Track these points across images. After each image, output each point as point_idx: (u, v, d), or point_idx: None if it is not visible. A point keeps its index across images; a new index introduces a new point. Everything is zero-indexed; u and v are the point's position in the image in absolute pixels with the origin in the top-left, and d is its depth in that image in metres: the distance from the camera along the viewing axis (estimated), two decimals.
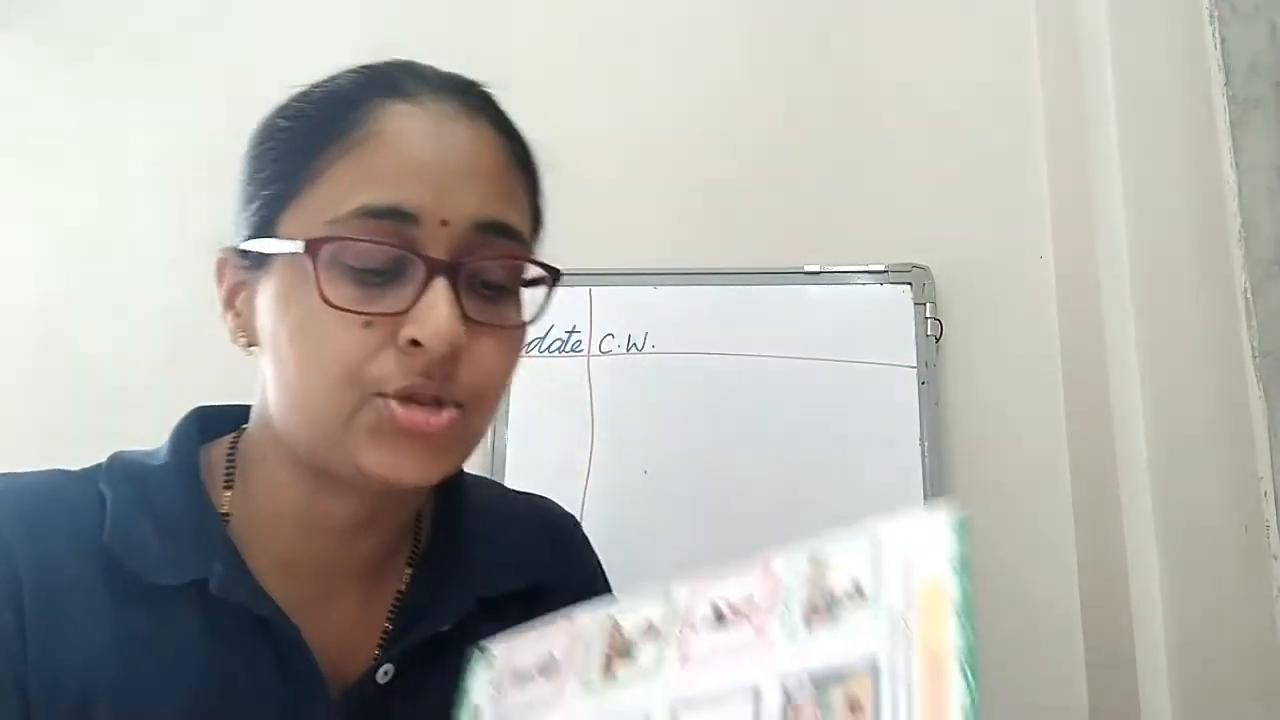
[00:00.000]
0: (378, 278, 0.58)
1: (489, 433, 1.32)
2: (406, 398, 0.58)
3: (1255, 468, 0.97)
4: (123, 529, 0.62)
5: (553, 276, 0.65)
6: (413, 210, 0.58)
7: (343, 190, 0.58)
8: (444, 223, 0.59)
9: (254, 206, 0.62)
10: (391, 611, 0.68)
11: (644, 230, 1.53)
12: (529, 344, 1.59)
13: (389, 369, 0.58)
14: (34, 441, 1.43)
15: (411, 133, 0.60)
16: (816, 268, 1.46)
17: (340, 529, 0.65)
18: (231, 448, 0.68)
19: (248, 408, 0.68)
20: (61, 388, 1.51)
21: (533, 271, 0.64)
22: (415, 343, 0.57)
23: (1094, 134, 1.33)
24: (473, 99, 0.64)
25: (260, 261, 0.62)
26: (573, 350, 1.46)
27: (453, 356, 0.58)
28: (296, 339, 0.59)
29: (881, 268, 1.46)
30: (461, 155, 0.61)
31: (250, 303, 0.63)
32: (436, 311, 0.57)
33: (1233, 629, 1.03)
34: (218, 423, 0.70)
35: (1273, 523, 0.96)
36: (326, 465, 0.61)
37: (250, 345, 0.64)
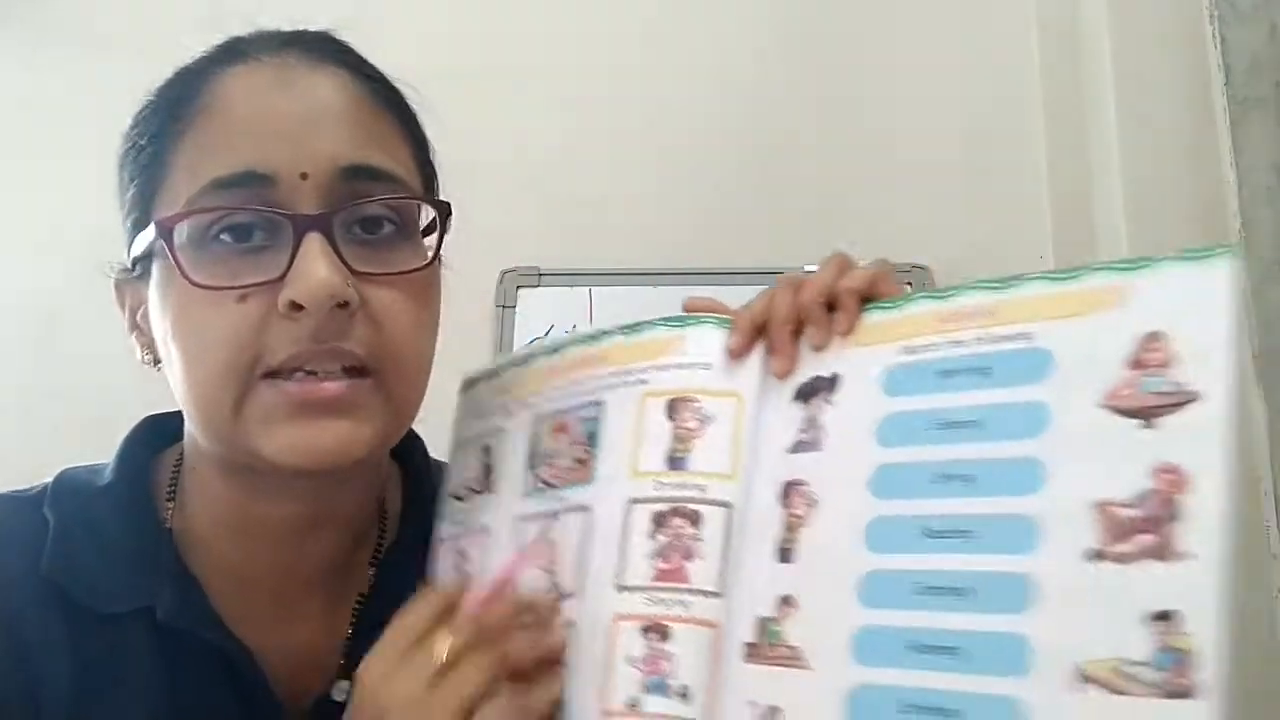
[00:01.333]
0: (247, 250, 0.54)
1: None
2: (294, 370, 0.53)
3: (1255, 468, 0.97)
4: (64, 556, 0.58)
5: (443, 213, 0.60)
6: (266, 170, 0.53)
7: (192, 170, 0.54)
8: (303, 176, 0.53)
9: (129, 216, 0.59)
10: (353, 618, 0.64)
11: (644, 230, 1.53)
12: (528, 344, 1.58)
13: (272, 341, 0.53)
14: (34, 442, 1.43)
15: (250, 92, 0.56)
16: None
17: (284, 533, 0.61)
18: (178, 459, 0.64)
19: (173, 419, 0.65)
20: (61, 388, 1.51)
21: (426, 216, 0.60)
22: (296, 306, 0.52)
23: (1094, 133, 1.33)
24: (319, 47, 0.59)
25: (144, 270, 0.58)
26: None
27: (343, 314, 0.53)
28: (175, 333, 0.55)
29: None
30: (311, 104, 0.56)
31: (145, 316, 0.59)
32: (311, 266, 0.52)
33: (1233, 629, 1.03)
34: (168, 431, 0.65)
35: (1273, 523, 0.96)
36: (243, 464, 0.57)
37: (157, 361, 0.59)
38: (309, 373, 0.54)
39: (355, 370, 0.55)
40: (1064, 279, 0.46)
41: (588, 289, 1.47)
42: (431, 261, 0.59)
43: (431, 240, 0.60)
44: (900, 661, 0.45)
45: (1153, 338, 0.42)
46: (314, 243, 0.53)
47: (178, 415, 0.63)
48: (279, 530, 0.60)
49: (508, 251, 1.48)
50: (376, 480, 0.65)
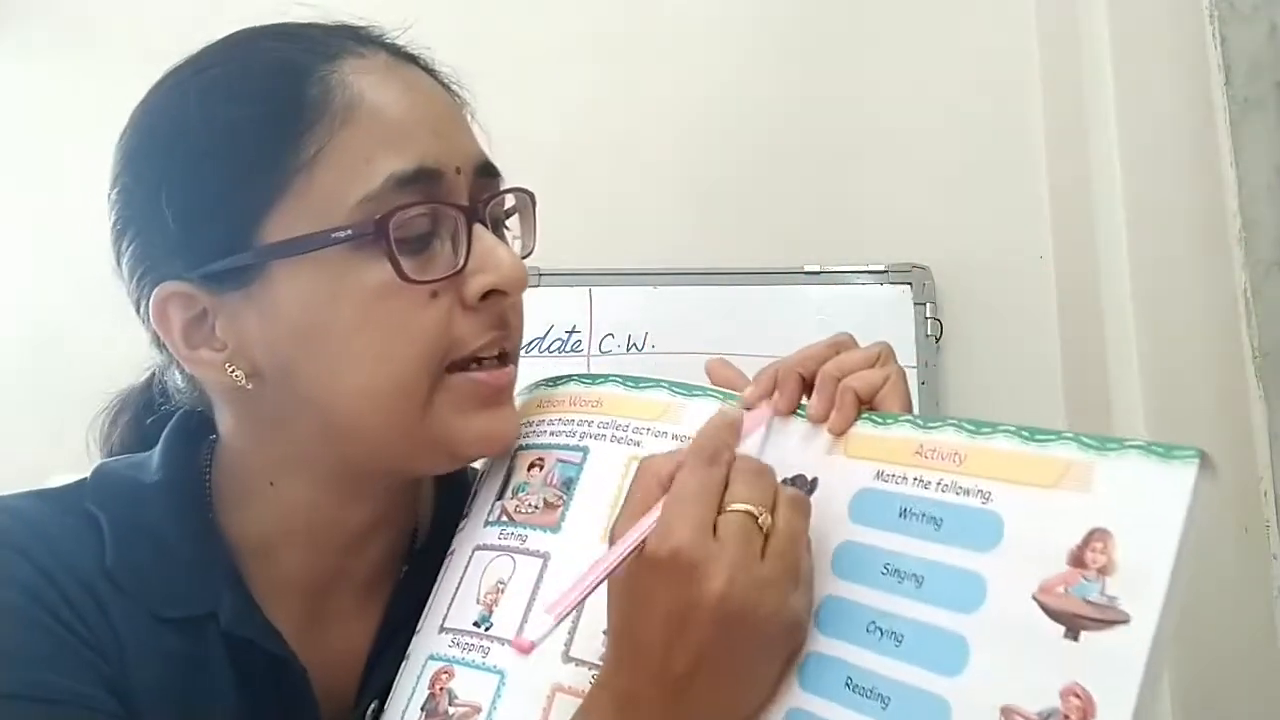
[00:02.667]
0: (424, 247, 0.55)
1: None
2: (472, 360, 0.56)
3: (1255, 468, 0.97)
4: (124, 556, 0.57)
5: (531, 199, 0.63)
6: (435, 166, 0.55)
7: (358, 168, 0.53)
8: (458, 170, 0.56)
9: (214, 222, 0.54)
10: (381, 623, 0.64)
11: (644, 230, 1.53)
12: (529, 344, 1.57)
13: (464, 332, 0.55)
14: (34, 442, 1.43)
15: (387, 90, 0.56)
16: (816, 268, 1.46)
17: (351, 538, 0.62)
18: (207, 461, 0.63)
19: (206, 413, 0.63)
20: (61, 388, 1.51)
21: (506, 204, 0.62)
22: (492, 294, 0.55)
23: (1094, 134, 1.33)
24: (399, 48, 0.61)
25: (243, 279, 0.54)
26: (573, 350, 1.46)
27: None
28: (355, 335, 0.54)
29: (881, 268, 1.46)
30: (439, 102, 0.59)
31: (239, 327, 0.55)
32: (499, 255, 0.55)
33: (1232, 629, 1.03)
34: (203, 427, 0.64)
35: (1273, 523, 0.96)
36: (387, 463, 0.58)
37: (252, 375, 0.56)
38: (482, 361, 0.56)
39: (505, 358, 0.58)
40: (1034, 441, 0.46)
41: (588, 289, 1.47)
42: (532, 245, 0.63)
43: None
44: None
45: (1100, 535, 0.42)
46: (485, 233, 0.56)
47: (202, 415, 0.63)
48: (349, 534, 0.61)
49: None
50: (421, 481, 0.67)
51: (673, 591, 0.45)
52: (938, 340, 1.43)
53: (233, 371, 0.56)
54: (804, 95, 1.56)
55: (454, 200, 0.56)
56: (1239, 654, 1.02)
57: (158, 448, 0.63)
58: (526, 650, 0.48)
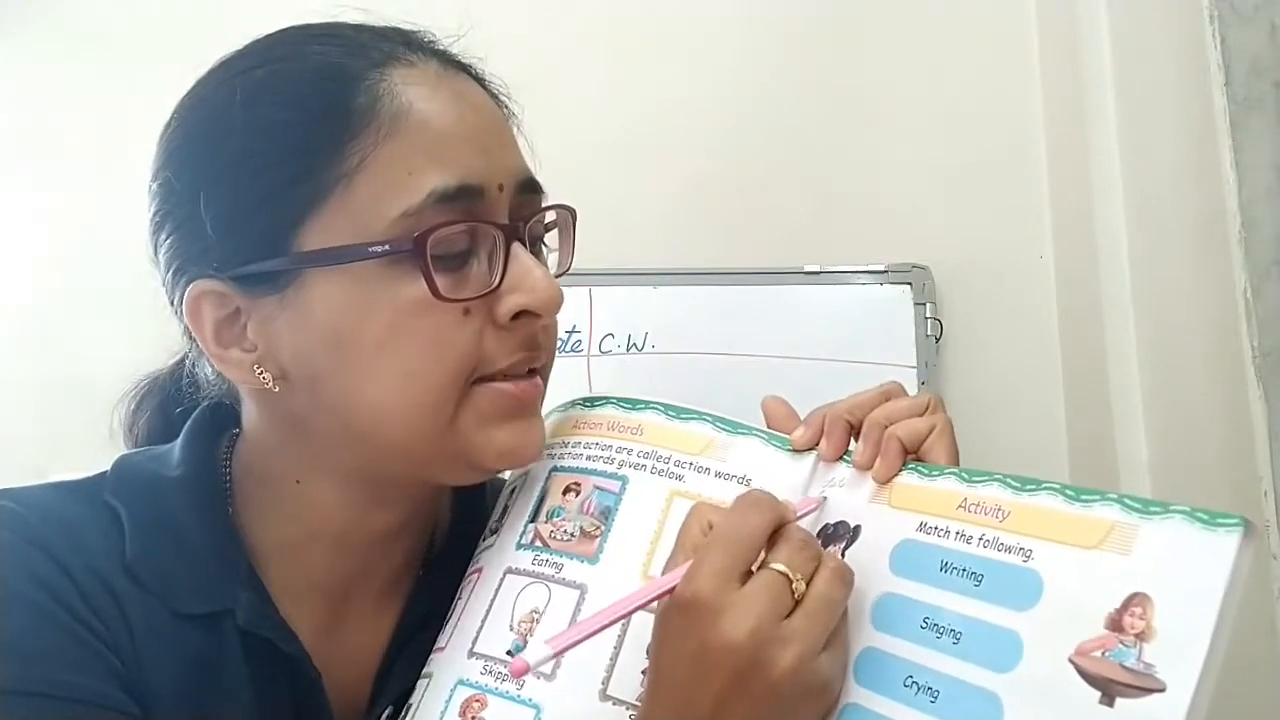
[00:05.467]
0: (455, 263, 0.54)
1: None
2: (506, 375, 0.56)
3: (1255, 468, 0.97)
4: (144, 550, 0.56)
5: (572, 216, 0.63)
6: (478, 183, 0.54)
7: (400, 181, 0.53)
8: (500, 188, 0.56)
9: (252, 225, 0.54)
10: (395, 629, 0.64)
11: (644, 230, 1.53)
12: None
13: (493, 350, 0.55)
14: (34, 442, 1.43)
15: (436, 101, 0.55)
16: (816, 268, 1.46)
17: (376, 541, 0.61)
18: (227, 455, 0.63)
19: (233, 407, 0.63)
20: (61, 388, 1.51)
21: (547, 219, 0.62)
22: (526, 314, 0.55)
23: (1094, 134, 1.33)
24: (451, 56, 0.60)
25: (278, 283, 0.54)
26: (573, 350, 1.46)
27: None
28: (383, 348, 0.53)
29: (881, 268, 1.45)
30: (486, 115, 0.58)
31: (270, 330, 0.55)
32: (535, 276, 0.55)
33: (1233, 629, 1.03)
34: (227, 421, 0.64)
35: (1273, 523, 0.96)
36: (413, 471, 0.57)
37: (280, 378, 0.56)
38: (508, 375, 0.56)
39: (534, 373, 0.58)
40: (1078, 501, 0.46)
41: (588, 289, 1.47)
42: (570, 262, 0.63)
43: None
44: None
45: (1140, 600, 0.42)
46: (525, 254, 0.55)
47: (228, 408, 0.63)
48: (372, 538, 0.61)
49: None
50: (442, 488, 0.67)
51: (694, 634, 0.45)
52: (938, 340, 1.43)
53: (260, 374, 0.56)
54: (804, 95, 1.56)
55: (493, 218, 0.55)
56: (1239, 654, 1.02)
57: (179, 441, 0.62)
58: (520, 673, 0.47)
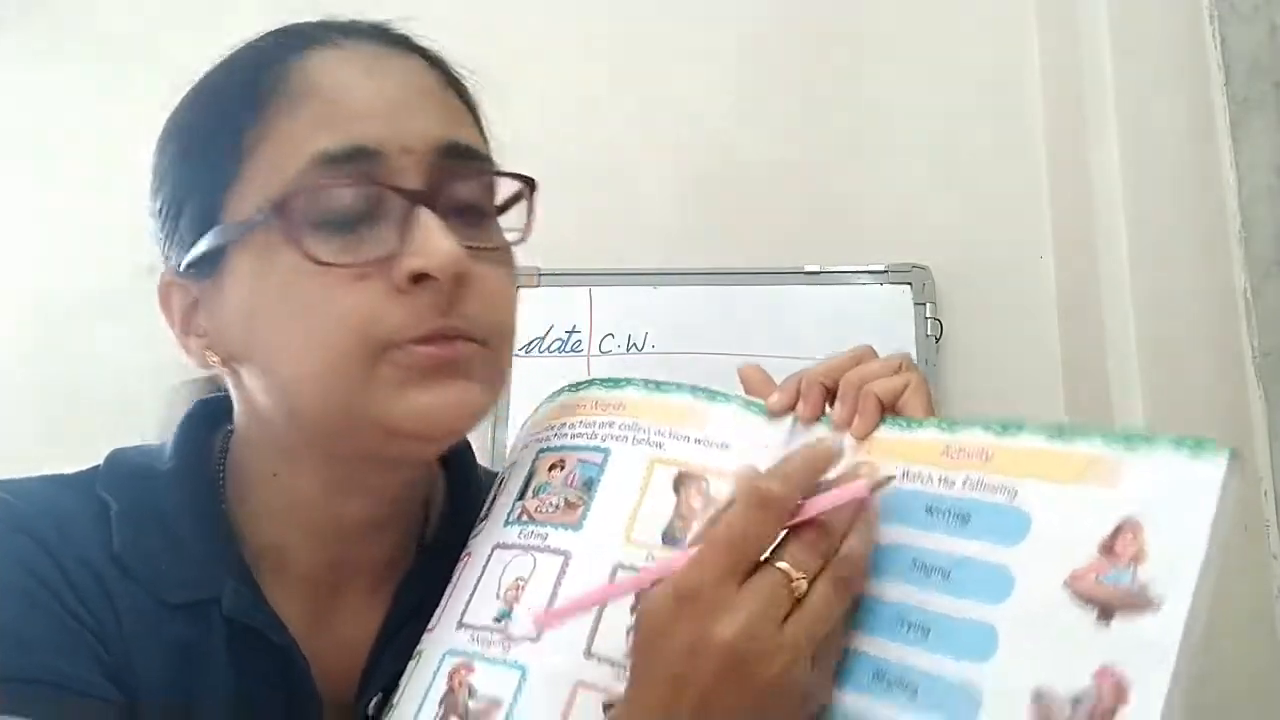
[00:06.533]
0: (353, 227, 0.53)
1: (489, 432, 1.32)
2: (424, 341, 0.54)
3: (1255, 468, 0.97)
4: (132, 541, 0.57)
5: (529, 186, 0.61)
6: (374, 146, 0.53)
7: (291, 147, 0.54)
8: (408, 151, 0.54)
9: (187, 211, 0.57)
10: (386, 617, 0.64)
11: (644, 230, 1.53)
12: (528, 344, 1.57)
13: (399, 318, 0.53)
14: (34, 442, 1.43)
15: (348, 73, 0.56)
16: (816, 268, 1.46)
17: (350, 532, 0.62)
18: (223, 450, 0.64)
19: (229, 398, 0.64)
20: (61, 388, 1.51)
21: (505, 192, 0.60)
22: (417, 278, 0.53)
23: (1094, 134, 1.33)
24: (394, 36, 0.60)
25: (211, 265, 0.56)
26: (573, 350, 1.46)
27: (461, 285, 0.54)
28: (284, 318, 0.54)
29: (881, 268, 1.46)
30: (403, 85, 0.57)
31: (213, 314, 0.57)
32: (434, 237, 0.53)
33: (1233, 629, 1.03)
34: (219, 414, 0.64)
35: (1273, 523, 0.96)
36: (351, 449, 0.57)
37: (226, 362, 0.58)
38: (427, 341, 0.54)
39: (469, 340, 0.56)
40: (1060, 438, 0.47)
41: (588, 289, 1.47)
42: (527, 234, 0.61)
43: (506, 219, 0.61)
44: None
45: (1131, 525, 0.42)
46: (428, 216, 0.54)
47: (224, 401, 0.64)
48: (347, 528, 0.61)
49: None
50: (429, 478, 0.67)
51: (687, 627, 0.46)
52: (938, 340, 1.43)
53: (210, 359, 0.58)
54: (804, 95, 1.56)
55: (396, 183, 0.54)
56: (1239, 654, 1.02)
57: (172, 435, 0.63)
58: (545, 624, 0.48)
